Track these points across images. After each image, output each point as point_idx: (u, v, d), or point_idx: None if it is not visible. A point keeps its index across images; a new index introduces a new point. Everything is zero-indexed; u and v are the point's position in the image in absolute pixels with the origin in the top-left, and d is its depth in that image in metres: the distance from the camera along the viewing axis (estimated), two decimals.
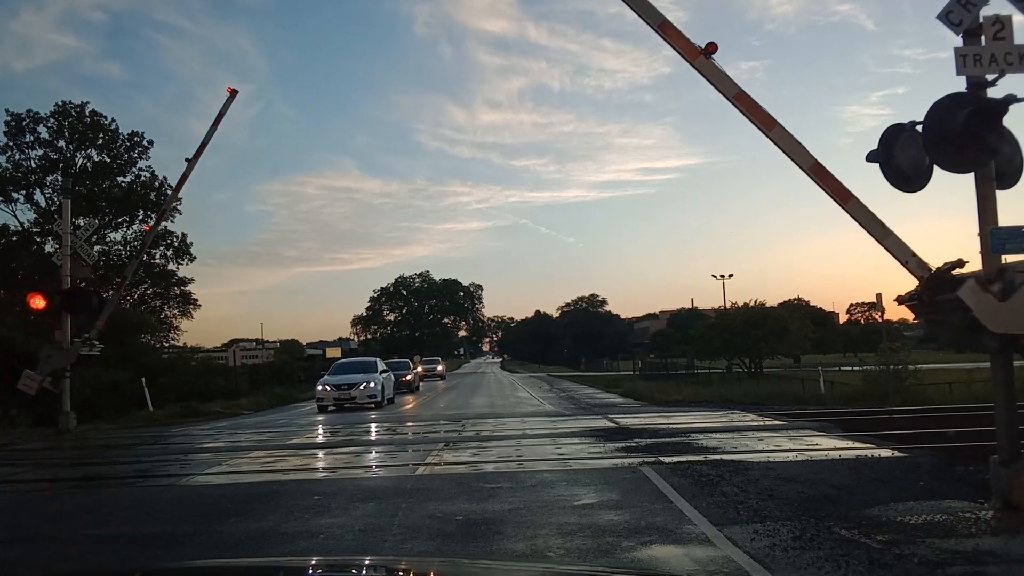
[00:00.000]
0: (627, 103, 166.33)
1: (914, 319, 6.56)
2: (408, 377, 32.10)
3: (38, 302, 17.83)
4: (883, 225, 6.68)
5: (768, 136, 6.98)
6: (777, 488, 7.14)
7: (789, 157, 6.86)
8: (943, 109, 6.17)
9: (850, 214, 6.76)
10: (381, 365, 25.15)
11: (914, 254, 6.38)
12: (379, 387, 22.61)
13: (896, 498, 6.63)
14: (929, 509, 6.18)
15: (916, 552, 4.90)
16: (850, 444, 10.24)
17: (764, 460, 8.88)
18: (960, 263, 6.09)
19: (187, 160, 19.48)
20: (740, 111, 7.16)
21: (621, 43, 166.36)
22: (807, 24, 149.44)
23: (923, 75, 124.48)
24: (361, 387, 22.41)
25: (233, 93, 19.46)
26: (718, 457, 9.18)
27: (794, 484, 7.32)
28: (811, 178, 6.78)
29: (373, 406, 22.03)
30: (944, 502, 6.45)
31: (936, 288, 6.14)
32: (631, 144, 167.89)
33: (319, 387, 23.22)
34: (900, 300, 6.61)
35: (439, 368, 53.72)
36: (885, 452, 9.33)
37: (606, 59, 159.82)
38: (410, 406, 23.92)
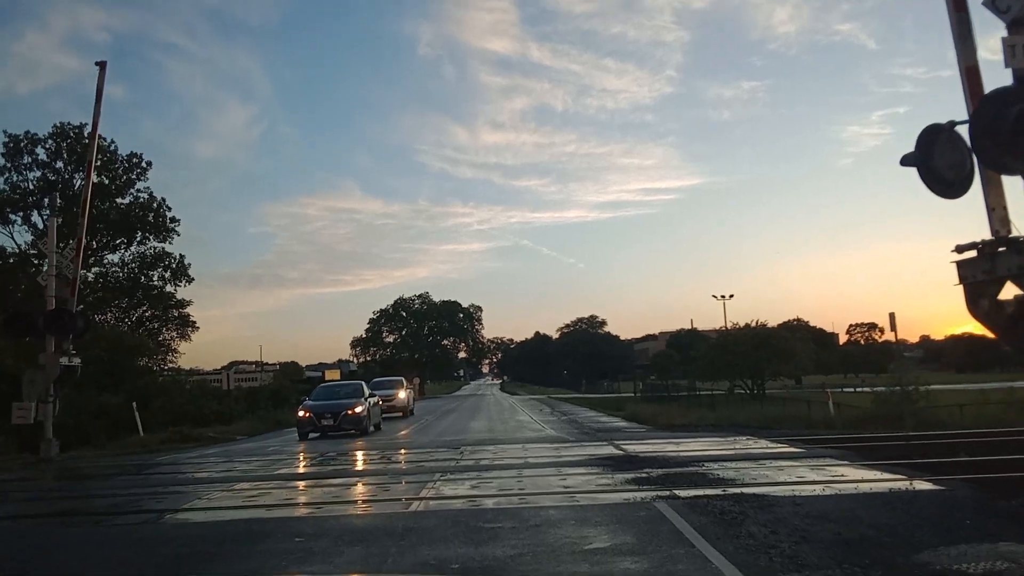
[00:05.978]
0: (629, 123, 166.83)
1: (958, 278, 6.05)
2: (357, 410, 21.29)
3: None
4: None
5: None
6: (810, 528, 6.42)
7: (956, 46, 6.19)
8: (993, 105, 5.58)
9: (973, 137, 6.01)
10: None
11: (1005, 206, 5.79)
12: None
13: (944, 540, 5.92)
14: (984, 554, 5.47)
15: None
16: (878, 475, 9.51)
17: (789, 494, 8.15)
18: None
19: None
20: None
21: (623, 63, 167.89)
22: (809, 44, 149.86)
23: (925, 94, 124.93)
24: None
25: (102, 65, 18.90)
26: (738, 490, 8.45)
27: (827, 523, 6.61)
28: (962, 78, 6.17)
29: None
30: (999, 545, 5.74)
31: (1003, 244, 5.62)
32: (632, 164, 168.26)
33: None
34: (960, 248, 6.08)
35: (400, 396, 31.33)
36: (920, 484, 8.60)
37: (608, 79, 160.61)
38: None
